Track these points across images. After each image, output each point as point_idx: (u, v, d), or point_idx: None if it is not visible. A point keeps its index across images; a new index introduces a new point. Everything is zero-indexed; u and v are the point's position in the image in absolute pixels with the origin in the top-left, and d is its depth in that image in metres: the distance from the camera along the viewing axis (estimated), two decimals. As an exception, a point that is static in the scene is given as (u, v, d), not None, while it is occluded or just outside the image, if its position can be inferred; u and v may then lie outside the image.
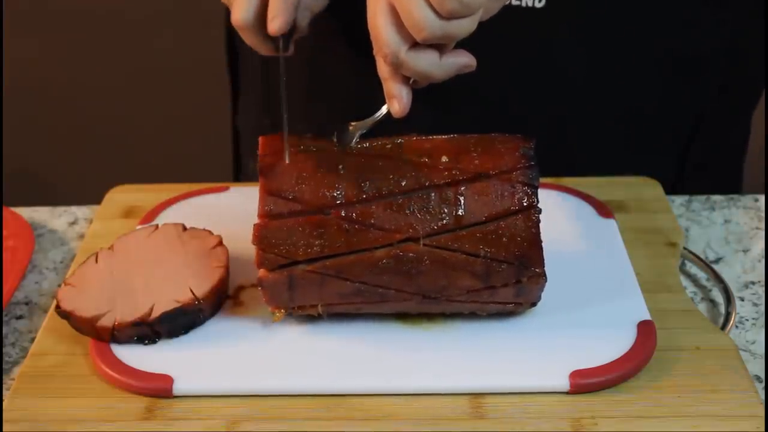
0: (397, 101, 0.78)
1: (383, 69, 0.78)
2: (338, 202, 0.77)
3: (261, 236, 0.77)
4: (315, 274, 0.77)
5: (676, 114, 1.09)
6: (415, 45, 0.75)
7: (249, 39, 0.87)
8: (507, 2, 0.80)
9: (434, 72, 0.77)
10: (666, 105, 1.08)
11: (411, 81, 0.79)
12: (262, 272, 0.78)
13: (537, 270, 0.78)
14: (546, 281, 0.79)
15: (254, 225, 0.77)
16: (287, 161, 0.78)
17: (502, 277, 0.78)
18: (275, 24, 0.83)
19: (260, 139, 0.81)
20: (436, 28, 0.73)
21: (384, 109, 0.80)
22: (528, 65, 1.04)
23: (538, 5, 0.99)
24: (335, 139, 0.80)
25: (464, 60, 0.78)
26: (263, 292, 0.80)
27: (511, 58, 1.03)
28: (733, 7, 1.03)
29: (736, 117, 1.14)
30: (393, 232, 0.77)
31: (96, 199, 1.05)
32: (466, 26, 0.74)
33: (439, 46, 0.76)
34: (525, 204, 0.78)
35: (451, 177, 0.78)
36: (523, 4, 0.99)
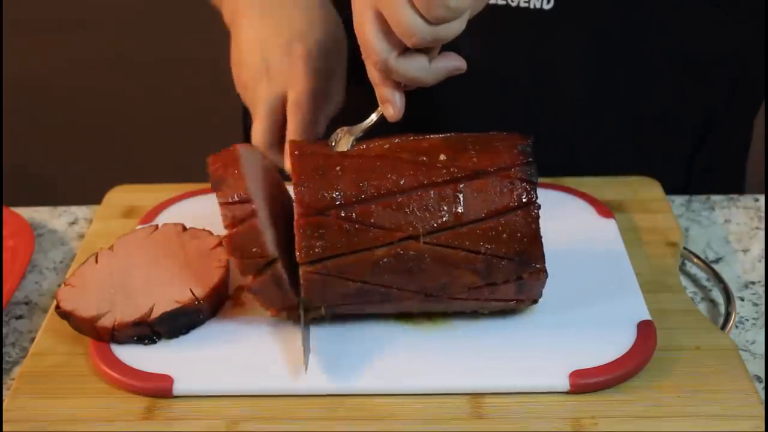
0: (391, 106, 0.78)
1: (374, 74, 0.78)
2: (337, 203, 0.77)
3: (232, 246, 0.77)
4: (317, 275, 0.77)
5: (685, 117, 1.08)
6: (404, 51, 0.75)
7: (271, 156, 0.91)
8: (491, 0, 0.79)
9: (424, 77, 0.77)
10: (675, 108, 1.07)
11: (402, 84, 0.78)
12: (249, 280, 0.78)
13: (537, 266, 0.78)
14: (547, 277, 0.79)
15: (223, 238, 0.78)
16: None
17: (503, 273, 0.78)
18: (290, 163, 0.85)
19: (209, 158, 0.81)
20: (425, 33, 0.73)
21: (374, 116, 0.80)
22: (536, 67, 1.04)
23: (546, 7, 0.99)
24: (331, 144, 0.80)
25: (454, 63, 0.78)
26: (256, 298, 0.80)
27: (519, 59, 1.03)
28: (743, 10, 1.02)
29: (744, 119, 1.14)
30: (393, 231, 0.77)
31: (96, 199, 1.05)
32: (455, 28, 0.74)
33: (427, 48, 0.76)
34: (524, 200, 0.78)
35: (449, 175, 0.78)
36: (532, 6, 0.99)
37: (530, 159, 0.79)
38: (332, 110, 0.94)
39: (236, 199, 0.77)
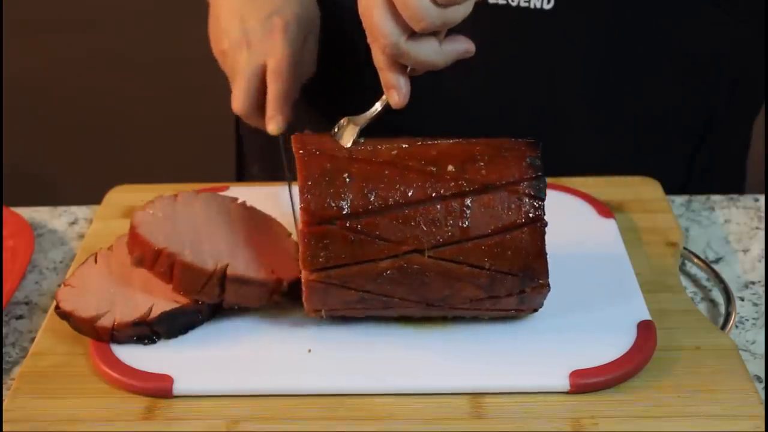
0: (396, 92, 0.78)
1: (379, 59, 0.77)
2: (344, 212, 0.76)
3: (185, 291, 0.81)
4: (319, 283, 0.77)
5: (685, 117, 1.08)
6: (413, 34, 0.75)
7: (250, 122, 0.97)
8: None
9: (435, 59, 0.76)
10: (675, 108, 1.07)
11: (408, 69, 0.78)
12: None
13: (541, 281, 0.78)
14: (549, 290, 0.79)
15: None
16: None
17: (506, 287, 0.78)
18: (273, 126, 0.93)
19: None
20: (434, 16, 0.73)
21: (378, 105, 0.80)
22: (536, 67, 1.04)
23: (546, 7, 0.99)
24: (335, 136, 0.80)
25: (464, 46, 0.78)
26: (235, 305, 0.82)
27: (519, 59, 1.03)
28: (743, 10, 1.02)
29: (744, 119, 1.14)
30: (398, 244, 0.76)
31: (96, 199, 1.05)
32: (462, 11, 0.74)
33: (433, 33, 0.76)
34: (531, 217, 0.77)
35: (457, 188, 0.77)
36: (532, 6, 0.99)
37: (540, 173, 0.78)
38: (305, 77, 0.99)
39: (152, 258, 0.81)
